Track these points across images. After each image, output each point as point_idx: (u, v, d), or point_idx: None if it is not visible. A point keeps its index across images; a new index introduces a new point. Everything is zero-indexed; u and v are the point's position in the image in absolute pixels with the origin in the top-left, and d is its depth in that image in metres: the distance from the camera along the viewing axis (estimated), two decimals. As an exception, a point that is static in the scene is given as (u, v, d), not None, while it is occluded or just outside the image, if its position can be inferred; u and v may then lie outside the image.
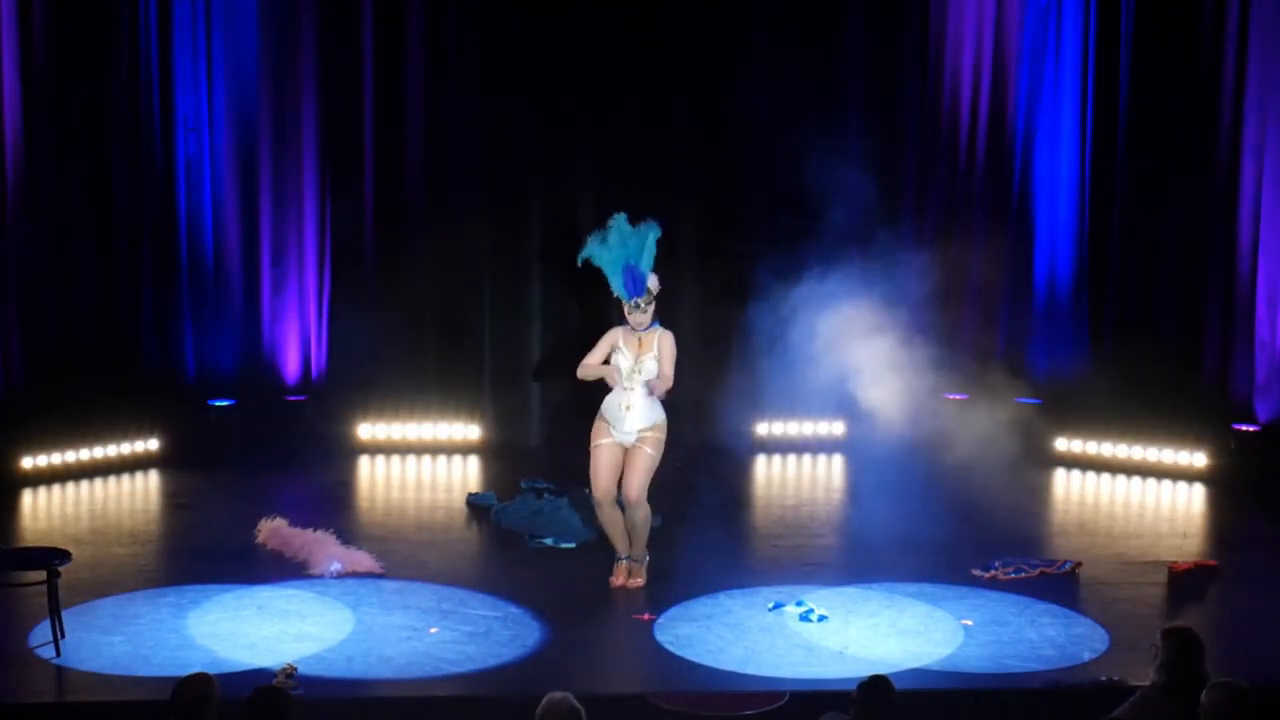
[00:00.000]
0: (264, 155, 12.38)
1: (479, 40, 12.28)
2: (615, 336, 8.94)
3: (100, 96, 11.82)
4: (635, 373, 8.79)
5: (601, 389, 8.97)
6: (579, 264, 8.93)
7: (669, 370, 8.80)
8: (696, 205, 12.35)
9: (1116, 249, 12.57)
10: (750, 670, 7.89)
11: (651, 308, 8.85)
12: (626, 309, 8.86)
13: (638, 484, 8.84)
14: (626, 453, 8.88)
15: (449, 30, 12.31)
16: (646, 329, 8.84)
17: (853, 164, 12.78)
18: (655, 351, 8.81)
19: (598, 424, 8.93)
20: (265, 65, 12.29)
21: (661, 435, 8.87)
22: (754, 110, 12.48)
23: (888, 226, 12.47)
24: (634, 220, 8.87)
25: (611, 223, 8.84)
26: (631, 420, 8.81)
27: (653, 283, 8.85)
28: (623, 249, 8.79)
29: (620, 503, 8.95)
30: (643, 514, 8.92)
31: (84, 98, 11.75)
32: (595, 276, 12.28)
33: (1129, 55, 12.40)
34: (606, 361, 8.90)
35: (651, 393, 8.79)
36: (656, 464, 8.88)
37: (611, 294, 12.09)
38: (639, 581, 9.03)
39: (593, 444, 8.92)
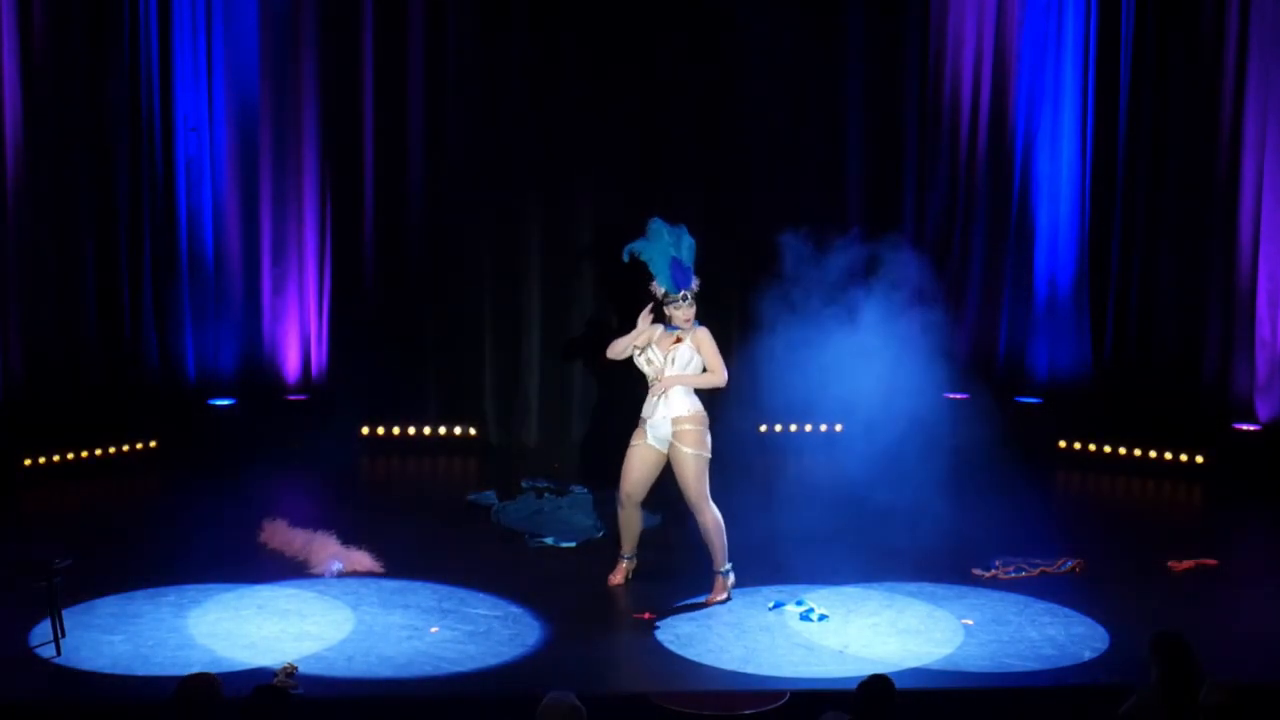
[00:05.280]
0: (264, 155, 12.39)
1: (480, 37, 12.29)
2: (652, 332, 8.79)
3: (100, 96, 11.83)
4: (670, 363, 8.66)
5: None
6: (625, 259, 8.78)
7: (718, 367, 8.67)
8: (696, 206, 12.34)
9: (1116, 249, 12.59)
10: (750, 670, 7.88)
11: (694, 308, 8.72)
12: (671, 307, 8.69)
13: (693, 488, 8.67)
14: (670, 458, 8.75)
15: (449, 28, 12.32)
16: (686, 330, 8.71)
17: (853, 164, 12.83)
18: (688, 344, 8.66)
19: (639, 426, 8.81)
20: (265, 65, 12.30)
21: (699, 428, 8.68)
22: (754, 110, 12.50)
23: (888, 226, 12.49)
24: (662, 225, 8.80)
25: (649, 224, 8.76)
26: (665, 407, 8.67)
27: (694, 282, 8.73)
28: (664, 244, 8.68)
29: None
30: (710, 518, 8.73)
31: (84, 98, 11.75)
32: (596, 275, 12.35)
33: (1129, 55, 12.42)
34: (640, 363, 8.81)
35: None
36: (706, 462, 8.69)
37: (610, 299, 12.19)
38: (721, 597, 8.82)
39: (630, 443, 8.82)
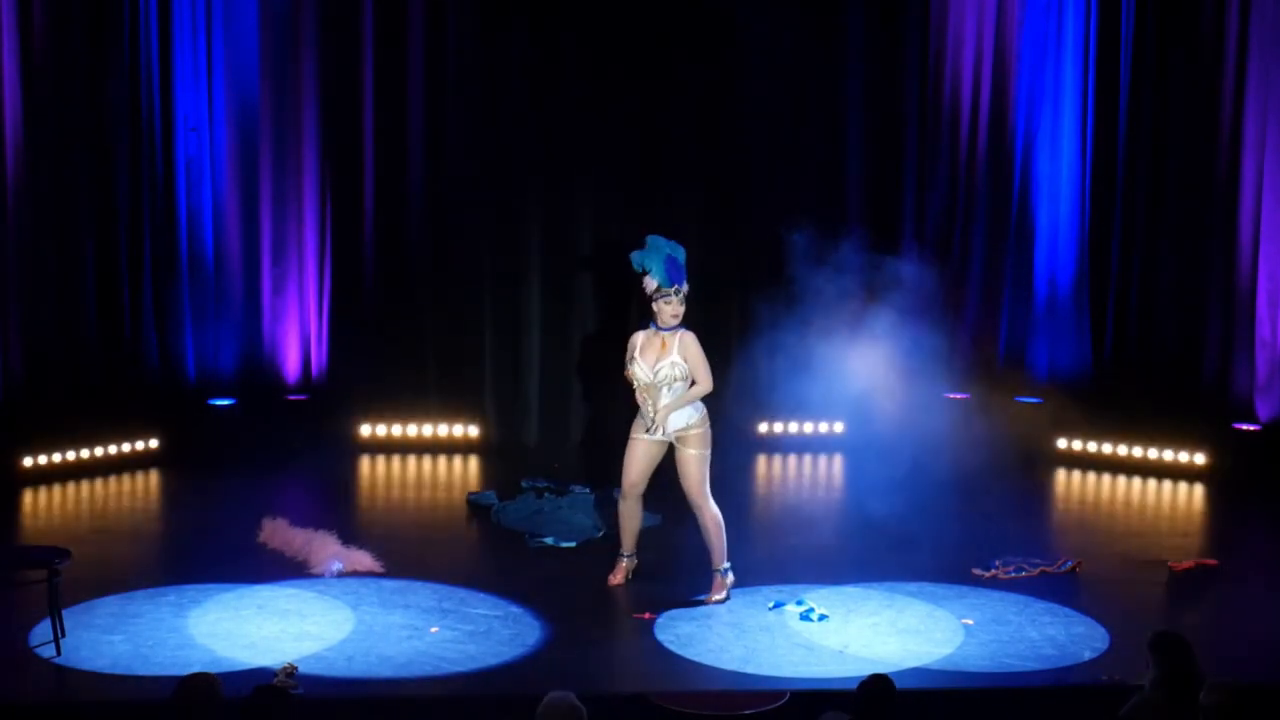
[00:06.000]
0: (264, 155, 12.39)
1: (480, 38, 12.28)
2: (634, 343, 8.80)
3: (100, 96, 11.83)
4: (655, 387, 8.66)
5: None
6: (638, 269, 8.75)
7: (704, 376, 8.69)
8: (696, 206, 12.36)
9: (1116, 249, 12.58)
10: (750, 670, 7.88)
11: (683, 306, 8.73)
12: (661, 300, 8.68)
13: (694, 487, 8.71)
14: (674, 457, 8.77)
15: (449, 28, 12.32)
16: (671, 330, 8.71)
17: (853, 164, 12.83)
18: (674, 355, 8.68)
19: (638, 419, 8.83)
20: (265, 65, 12.30)
21: (702, 429, 8.73)
22: (754, 111, 12.50)
23: (888, 226, 12.51)
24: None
25: (647, 239, 8.80)
26: (666, 423, 8.70)
27: (685, 285, 8.76)
28: (662, 245, 8.71)
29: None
30: (710, 516, 8.77)
31: (84, 98, 11.75)
32: (596, 274, 12.36)
33: (1129, 55, 12.42)
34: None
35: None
36: (708, 460, 8.74)
37: (610, 299, 12.20)
38: (718, 598, 8.83)
39: (630, 436, 8.85)
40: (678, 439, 8.72)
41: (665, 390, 8.69)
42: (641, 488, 8.91)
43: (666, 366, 8.68)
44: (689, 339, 8.74)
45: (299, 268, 12.52)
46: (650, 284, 8.73)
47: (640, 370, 8.72)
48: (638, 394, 8.79)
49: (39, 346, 11.65)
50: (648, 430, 8.75)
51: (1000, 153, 12.88)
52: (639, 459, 8.82)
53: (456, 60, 12.34)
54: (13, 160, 11.47)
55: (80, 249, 11.83)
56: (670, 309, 8.71)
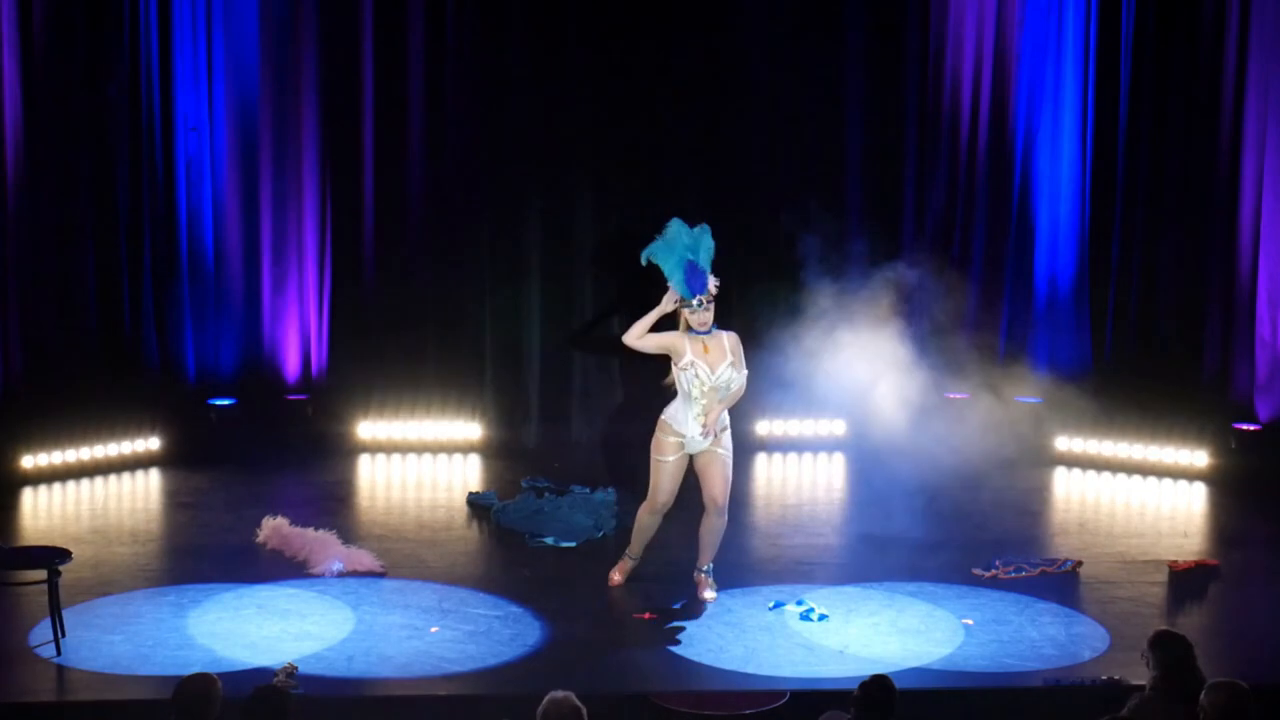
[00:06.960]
0: (264, 155, 12.38)
1: (480, 36, 12.28)
2: (682, 345, 8.57)
3: (100, 96, 11.82)
4: (717, 390, 8.56)
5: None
6: (643, 263, 8.66)
7: (745, 378, 8.68)
8: (696, 205, 12.34)
9: (1116, 249, 12.58)
10: (750, 669, 7.89)
11: (712, 307, 8.63)
12: (689, 311, 8.57)
13: (725, 489, 8.69)
14: (700, 460, 8.70)
15: (449, 28, 12.31)
16: (708, 332, 8.62)
17: (853, 164, 12.83)
18: (730, 358, 8.59)
19: (664, 439, 8.66)
20: (265, 65, 12.29)
21: (728, 432, 8.74)
22: (755, 110, 12.50)
23: (888, 226, 12.50)
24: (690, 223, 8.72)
25: (667, 226, 8.66)
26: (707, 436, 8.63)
27: (711, 282, 8.62)
28: (680, 248, 8.58)
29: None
30: (725, 520, 8.77)
31: (84, 98, 11.75)
32: (597, 274, 12.36)
33: (1129, 55, 12.41)
34: (668, 369, 8.69)
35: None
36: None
37: (611, 298, 12.19)
38: (711, 595, 8.85)
39: (658, 458, 8.68)
40: (712, 442, 8.67)
41: (723, 394, 8.61)
42: (671, 504, 8.83)
43: (727, 370, 8.58)
44: (736, 340, 8.68)
45: (299, 268, 12.52)
46: (674, 297, 8.62)
47: (705, 374, 8.55)
48: (681, 392, 8.64)
49: (39, 346, 11.65)
50: (700, 436, 8.59)
51: (1000, 153, 12.87)
52: (675, 477, 8.72)
53: (456, 60, 12.33)
54: (13, 160, 11.47)
55: (80, 249, 11.83)
56: (697, 319, 8.58)
